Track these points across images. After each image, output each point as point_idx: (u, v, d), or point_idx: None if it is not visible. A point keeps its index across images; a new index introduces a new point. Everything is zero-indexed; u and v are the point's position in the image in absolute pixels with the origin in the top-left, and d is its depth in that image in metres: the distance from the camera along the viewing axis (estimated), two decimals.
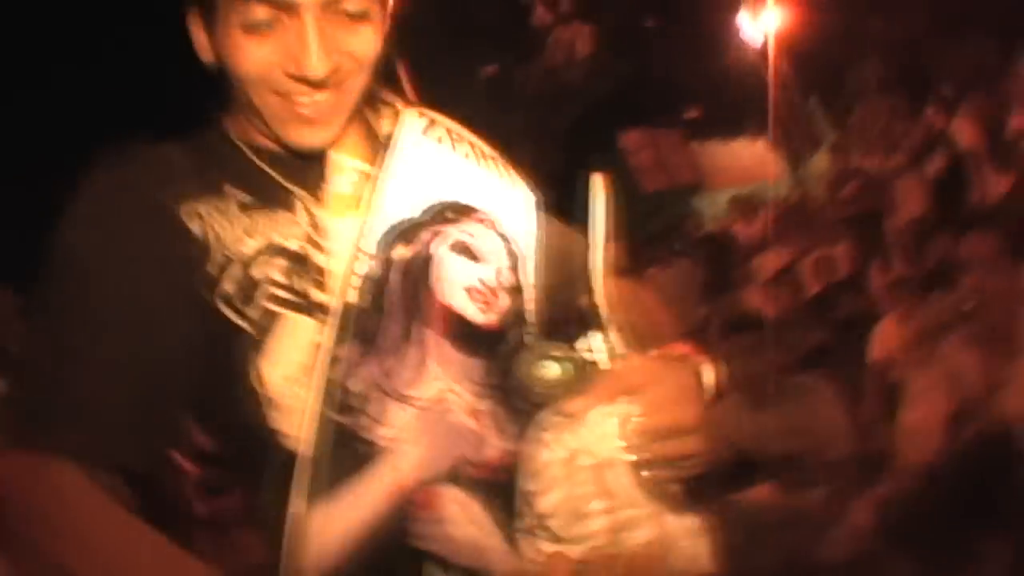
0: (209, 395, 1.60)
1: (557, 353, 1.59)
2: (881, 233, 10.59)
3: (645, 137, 21.11)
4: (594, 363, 1.60)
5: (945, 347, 4.42)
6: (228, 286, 1.55)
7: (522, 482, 1.54)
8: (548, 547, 1.46)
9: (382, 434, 1.55)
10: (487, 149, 1.98)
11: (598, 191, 1.65)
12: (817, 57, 19.41)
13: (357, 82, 1.60)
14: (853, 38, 18.13)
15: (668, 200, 20.64)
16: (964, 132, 10.56)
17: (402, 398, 1.56)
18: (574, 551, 1.43)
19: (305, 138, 1.59)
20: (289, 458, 1.52)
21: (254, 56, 1.50)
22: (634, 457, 1.52)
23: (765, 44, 19.33)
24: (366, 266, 1.58)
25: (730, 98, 20.07)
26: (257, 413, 1.56)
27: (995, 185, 9.95)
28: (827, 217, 12.10)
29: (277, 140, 1.62)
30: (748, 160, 20.54)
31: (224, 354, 1.57)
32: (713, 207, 19.89)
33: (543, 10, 21.15)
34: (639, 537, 1.48)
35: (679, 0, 20.67)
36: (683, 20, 20.64)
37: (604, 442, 1.49)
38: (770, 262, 11.20)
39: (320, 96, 1.52)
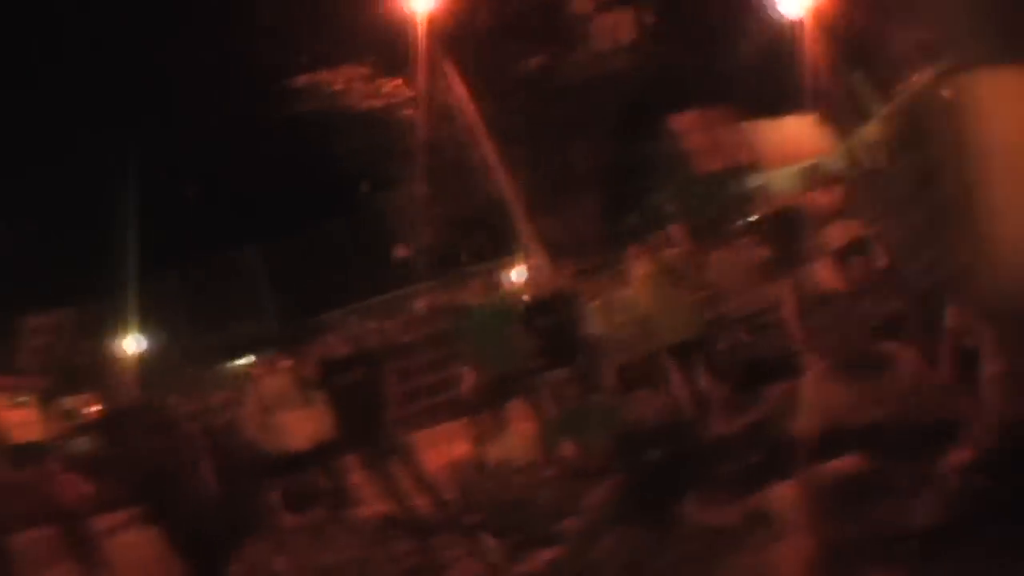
0: None
1: None
2: None
3: (696, 120, 21.40)
4: None
5: None
6: None
7: None
8: None
9: None
10: None
11: None
12: (856, 31, 19.52)
13: None
14: (891, 8, 18.19)
15: (723, 181, 20.93)
16: None
17: None
18: None
19: None
20: None
21: None
22: None
23: (804, 22, 19.66)
24: None
25: (774, 77, 20.28)
26: None
27: None
28: (891, 189, 12.05)
29: None
30: (798, 137, 20.80)
31: None
32: (769, 185, 20.13)
33: None
34: None
35: None
36: (719, 3, 20.95)
37: None
38: (838, 235, 11.23)
39: None
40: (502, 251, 22.60)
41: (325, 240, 25.45)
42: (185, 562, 7.56)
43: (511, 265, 22.64)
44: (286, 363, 9.38)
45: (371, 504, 8.20)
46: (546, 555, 6.25)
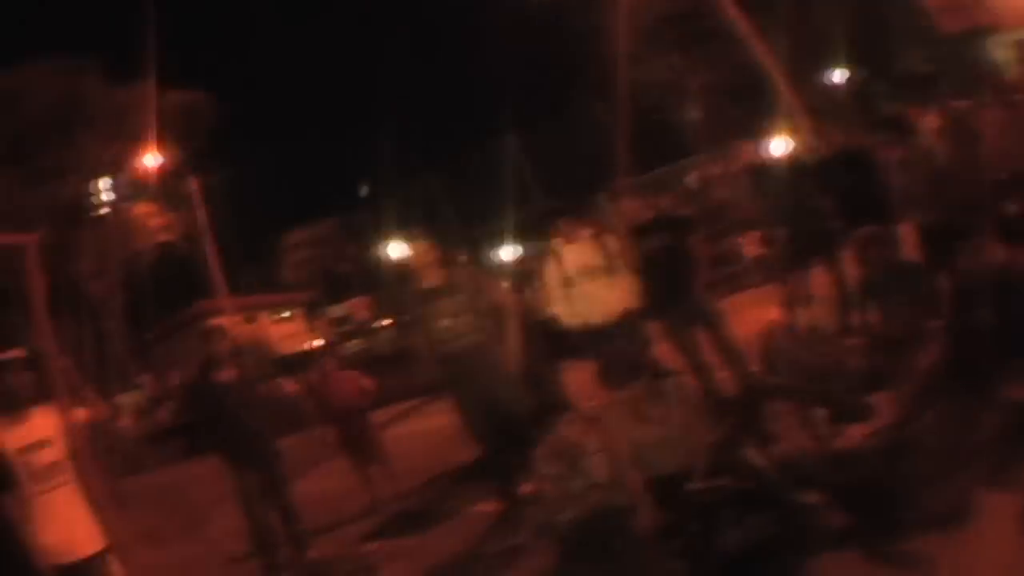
0: None
1: None
2: None
3: None
4: None
5: None
6: None
7: None
8: None
9: None
10: None
11: None
12: None
13: None
14: None
15: (966, 43, 19.62)
16: None
17: None
18: None
19: None
20: None
21: None
22: None
23: None
24: None
25: None
26: None
27: None
28: None
29: None
30: None
31: None
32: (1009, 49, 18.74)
33: None
34: None
35: None
36: None
37: None
38: None
39: None
40: (763, 121, 22.10)
41: (584, 122, 25.38)
42: (487, 444, 7.51)
43: (775, 134, 22.16)
44: (584, 233, 9.04)
45: (683, 375, 7.84)
46: (859, 429, 6.00)
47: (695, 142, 24.18)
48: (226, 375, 7.93)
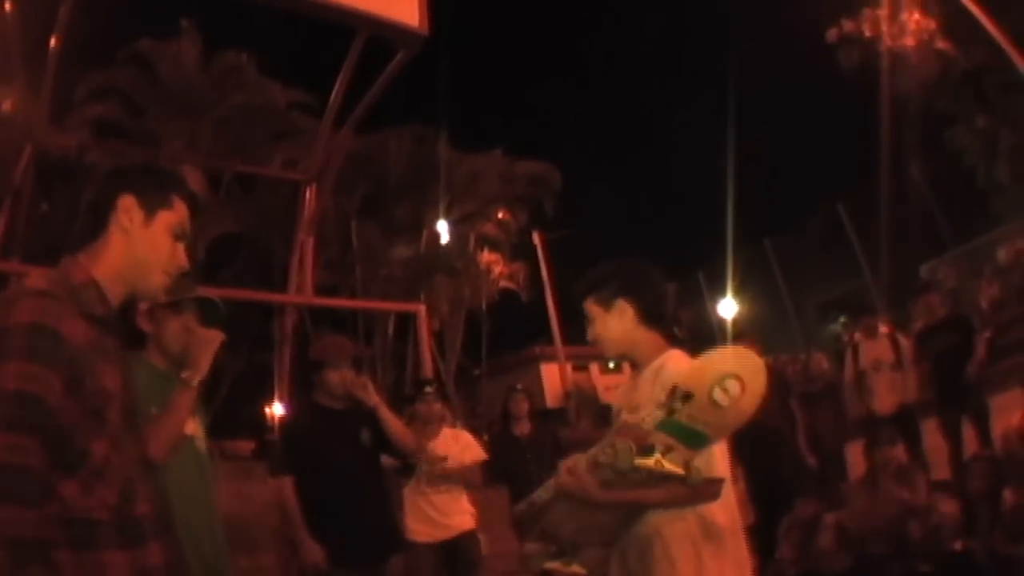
0: None
1: None
2: None
3: None
4: None
5: None
6: None
7: None
8: None
9: None
10: None
11: None
12: None
13: None
14: None
15: None
16: None
17: None
18: None
19: None
20: None
21: None
22: None
23: None
24: None
25: None
26: None
27: None
28: None
29: None
30: None
31: None
32: None
33: None
34: None
35: None
36: None
37: None
38: None
39: None
40: None
41: (902, 188, 24.19)
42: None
43: None
44: (884, 328, 9.53)
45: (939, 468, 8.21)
46: None
47: (1008, 209, 22.27)
48: (522, 429, 8.93)
